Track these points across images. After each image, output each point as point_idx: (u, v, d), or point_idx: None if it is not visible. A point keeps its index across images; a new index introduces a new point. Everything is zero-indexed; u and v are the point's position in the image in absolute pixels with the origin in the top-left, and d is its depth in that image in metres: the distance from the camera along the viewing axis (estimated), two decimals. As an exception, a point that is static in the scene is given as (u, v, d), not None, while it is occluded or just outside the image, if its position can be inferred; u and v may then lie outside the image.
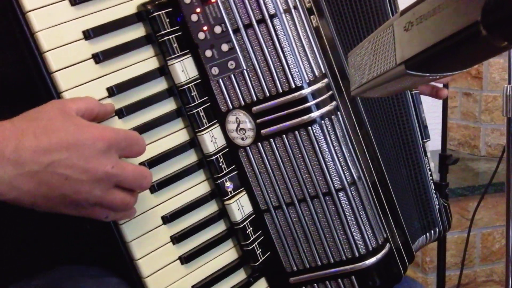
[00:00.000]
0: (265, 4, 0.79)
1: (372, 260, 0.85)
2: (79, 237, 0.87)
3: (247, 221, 0.86)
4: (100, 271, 0.87)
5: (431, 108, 2.42)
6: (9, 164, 0.65)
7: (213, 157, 0.83)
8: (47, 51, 0.74)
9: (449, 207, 1.08)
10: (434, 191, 1.03)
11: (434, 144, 2.08)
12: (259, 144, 0.83)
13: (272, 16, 0.79)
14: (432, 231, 1.03)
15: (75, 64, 0.76)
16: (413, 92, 1.02)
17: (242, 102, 0.82)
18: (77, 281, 0.86)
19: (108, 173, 0.69)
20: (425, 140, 1.03)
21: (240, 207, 0.85)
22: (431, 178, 1.03)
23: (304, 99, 0.81)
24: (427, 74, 0.58)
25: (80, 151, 0.67)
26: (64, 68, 0.75)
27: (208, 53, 0.81)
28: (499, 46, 0.48)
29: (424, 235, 1.02)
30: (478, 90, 2.48)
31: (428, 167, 1.02)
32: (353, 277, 0.85)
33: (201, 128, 0.83)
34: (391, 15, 0.98)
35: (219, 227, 0.86)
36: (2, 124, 0.66)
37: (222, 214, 0.86)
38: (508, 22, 0.46)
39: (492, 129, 2.48)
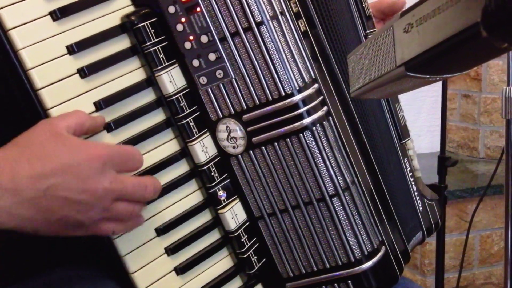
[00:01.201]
0: (251, 12, 0.77)
1: (368, 264, 0.85)
2: (75, 239, 0.87)
3: (241, 229, 0.85)
4: (95, 273, 0.87)
5: (430, 110, 2.42)
6: (7, 193, 0.65)
7: (205, 167, 0.83)
8: (31, 68, 0.73)
9: (438, 203, 1.05)
10: (417, 193, 1.01)
11: (433, 146, 2.08)
12: (251, 152, 0.82)
13: (258, 24, 0.78)
14: (417, 235, 1.01)
15: (60, 80, 0.75)
16: None
17: (232, 111, 0.81)
18: (72, 284, 0.86)
19: (107, 189, 0.69)
20: (403, 141, 1.00)
21: (234, 215, 0.85)
22: (412, 179, 1.00)
23: (294, 106, 0.80)
24: (427, 76, 0.57)
25: (76, 172, 0.67)
26: (50, 84, 0.74)
27: (195, 62, 0.80)
28: (500, 47, 0.47)
29: (421, 232, 1.01)
30: (477, 92, 2.47)
31: (409, 168, 1.00)
32: (349, 281, 0.85)
33: (192, 138, 0.82)
34: (357, 16, 0.96)
35: (213, 236, 0.86)
36: None
37: (216, 223, 0.85)
38: (508, 23, 0.45)
39: (491, 131, 2.47)
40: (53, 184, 0.66)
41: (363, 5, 0.95)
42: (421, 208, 1.01)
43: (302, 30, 0.82)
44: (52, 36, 0.75)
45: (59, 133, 0.69)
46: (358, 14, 0.95)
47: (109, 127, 0.78)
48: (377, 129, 0.95)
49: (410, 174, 0.99)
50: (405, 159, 0.99)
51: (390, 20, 0.59)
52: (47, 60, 0.74)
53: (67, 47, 0.75)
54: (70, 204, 0.67)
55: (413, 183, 1.00)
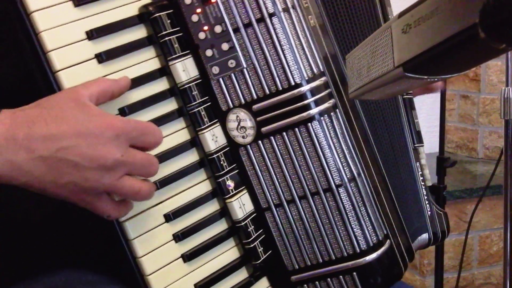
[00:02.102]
0: (264, 3, 0.81)
1: (373, 256, 0.86)
2: (78, 241, 0.87)
3: (248, 219, 0.87)
4: (98, 277, 0.87)
5: (429, 111, 2.46)
6: (21, 149, 0.67)
7: (214, 156, 0.85)
8: (51, 50, 0.76)
9: (446, 215, 1.08)
10: (426, 197, 1.03)
11: (432, 146, 2.11)
12: (260, 142, 0.85)
13: (271, 15, 0.81)
14: (422, 236, 1.03)
15: (78, 64, 0.78)
16: (405, 97, 1.04)
17: (243, 101, 0.84)
18: None
19: (118, 160, 0.70)
20: (417, 145, 1.04)
21: (242, 205, 0.86)
22: (423, 184, 1.03)
23: (303, 96, 0.82)
24: (425, 77, 0.58)
25: (89, 139, 0.69)
26: (68, 67, 0.77)
27: (209, 52, 0.83)
28: (498, 48, 0.48)
29: (423, 235, 1.02)
30: (476, 93, 2.51)
31: (420, 172, 1.03)
32: (354, 273, 0.86)
33: (202, 127, 0.84)
34: (381, 17, 1.00)
35: (220, 226, 0.87)
36: (14, 112, 0.68)
37: (224, 212, 0.87)
38: (506, 25, 0.46)
39: (490, 132, 2.50)
40: (65, 146, 0.68)
41: (389, 16, 1.00)
42: (429, 212, 1.03)
43: (312, 25, 0.86)
44: (73, 21, 0.78)
45: (81, 100, 0.71)
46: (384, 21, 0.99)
47: (123, 111, 0.80)
48: (386, 128, 0.97)
49: (421, 178, 1.02)
50: (417, 163, 1.02)
51: (388, 21, 0.60)
52: (66, 43, 0.77)
53: (86, 32, 0.78)
54: (78, 170, 0.69)
55: (423, 187, 1.02)
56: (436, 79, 0.62)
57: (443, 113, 1.81)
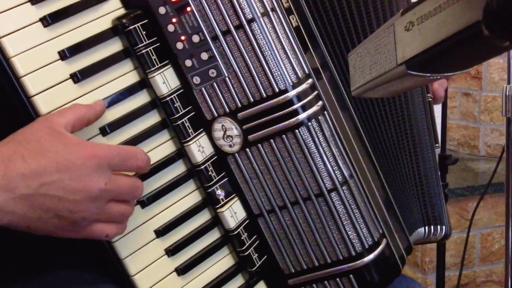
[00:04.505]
0: (241, 9, 0.77)
1: (369, 257, 0.85)
2: (76, 240, 0.87)
3: (241, 227, 0.85)
4: (95, 276, 0.87)
5: None
6: (0, 190, 0.65)
7: (202, 167, 0.83)
8: (24, 75, 0.73)
9: (448, 216, 1.07)
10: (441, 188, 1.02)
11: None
12: (247, 150, 0.82)
13: (250, 21, 0.78)
14: (439, 227, 1.00)
15: (53, 86, 0.75)
16: (429, 99, 1.02)
17: (227, 109, 0.81)
18: (73, 286, 0.86)
19: (102, 190, 0.69)
20: (436, 145, 1.03)
21: (233, 213, 0.85)
22: (439, 177, 1.02)
23: (289, 102, 0.80)
24: (428, 74, 0.57)
25: (71, 171, 0.67)
26: (43, 91, 0.74)
27: (188, 62, 0.80)
28: (501, 46, 0.48)
29: (424, 228, 1.00)
30: (477, 90, 2.47)
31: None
32: (351, 275, 0.85)
33: (187, 139, 0.82)
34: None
35: (213, 236, 0.86)
36: None
37: (216, 222, 0.85)
38: (510, 22, 0.45)
39: (491, 129, 2.47)
40: (47, 182, 0.66)
41: None
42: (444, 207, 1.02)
43: (294, 25, 0.82)
44: (44, 42, 0.75)
45: (57, 130, 0.69)
46: None
47: (104, 130, 0.78)
48: (386, 119, 0.94)
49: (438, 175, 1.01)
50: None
51: (391, 18, 0.59)
52: (39, 66, 0.74)
53: (59, 52, 0.75)
54: (63, 203, 0.67)
55: (440, 182, 1.01)
56: (438, 77, 0.61)
57: (444, 111, 1.78)
